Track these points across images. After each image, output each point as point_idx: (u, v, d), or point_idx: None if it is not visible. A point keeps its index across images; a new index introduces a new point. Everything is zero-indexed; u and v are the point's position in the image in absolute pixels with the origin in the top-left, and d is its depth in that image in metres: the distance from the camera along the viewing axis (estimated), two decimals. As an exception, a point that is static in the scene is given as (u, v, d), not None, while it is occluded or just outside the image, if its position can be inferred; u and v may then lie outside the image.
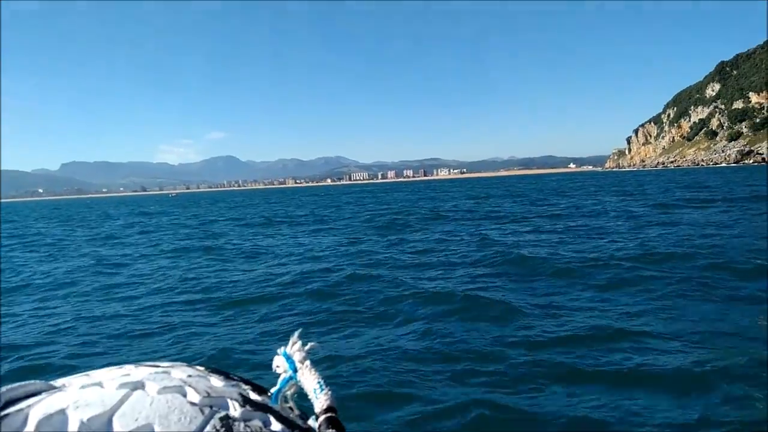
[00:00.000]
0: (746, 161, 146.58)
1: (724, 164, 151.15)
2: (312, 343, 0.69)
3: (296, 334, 0.69)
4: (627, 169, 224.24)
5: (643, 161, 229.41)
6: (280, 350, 0.69)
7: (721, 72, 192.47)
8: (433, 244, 14.76)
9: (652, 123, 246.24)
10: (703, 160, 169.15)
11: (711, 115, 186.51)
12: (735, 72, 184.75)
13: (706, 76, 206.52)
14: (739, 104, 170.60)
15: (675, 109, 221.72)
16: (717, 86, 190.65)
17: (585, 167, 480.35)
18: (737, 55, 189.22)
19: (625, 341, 5.54)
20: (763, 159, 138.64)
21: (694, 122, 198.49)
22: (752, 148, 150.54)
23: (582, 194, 38.34)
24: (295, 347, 0.68)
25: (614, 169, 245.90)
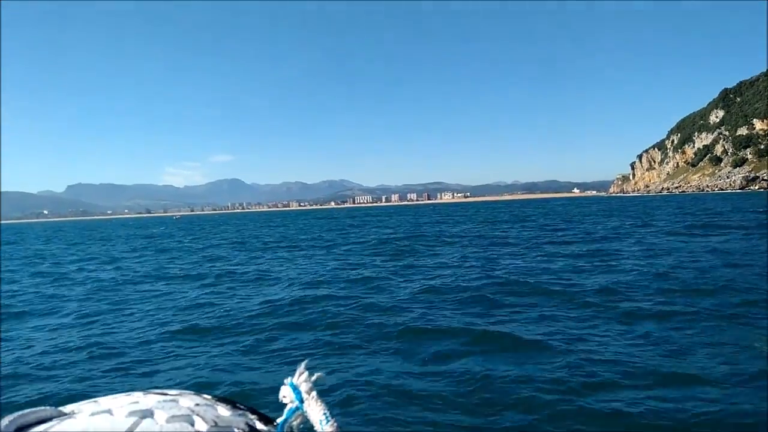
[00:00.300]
0: (751, 187, 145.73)
1: (729, 190, 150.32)
2: (318, 374, 0.70)
3: (303, 364, 0.69)
4: (631, 194, 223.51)
5: (648, 186, 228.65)
6: (287, 380, 0.69)
7: (724, 99, 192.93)
8: (442, 271, 14.12)
9: (656, 149, 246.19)
10: (707, 186, 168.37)
11: (715, 142, 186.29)
12: (738, 99, 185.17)
13: (709, 103, 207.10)
14: (743, 131, 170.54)
15: (679, 135, 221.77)
16: (721, 113, 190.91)
17: (589, 192, 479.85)
18: (740, 82, 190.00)
19: (675, 385, 4.86)
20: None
21: (699, 148, 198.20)
22: (757, 174, 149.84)
23: (591, 220, 37.67)
24: (301, 377, 0.68)
25: (619, 194, 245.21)
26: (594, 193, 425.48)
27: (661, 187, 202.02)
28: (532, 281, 11.19)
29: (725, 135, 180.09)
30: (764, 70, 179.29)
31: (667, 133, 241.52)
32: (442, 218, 57.18)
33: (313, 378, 0.68)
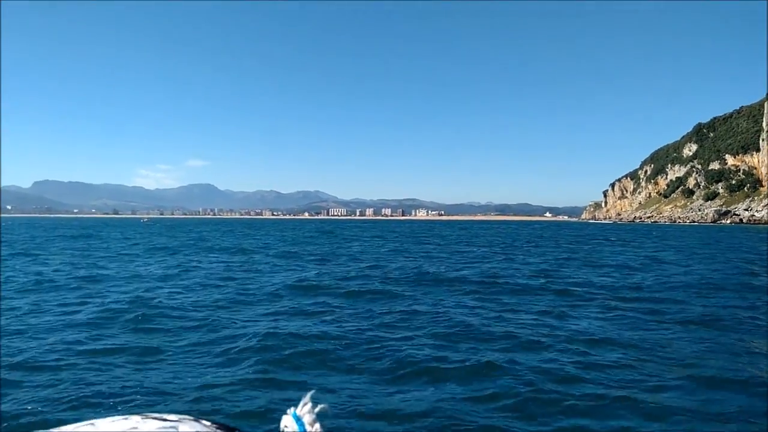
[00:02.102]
0: (723, 221, 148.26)
1: (700, 222, 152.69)
2: (323, 405, 0.67)
3: (309, 395, 0.68)
4: (603, 221, 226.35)
5: (620, 215, 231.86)
6: (290, 410, 0.67)
7: (698, 133, 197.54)
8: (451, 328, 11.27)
9: (628, 178, 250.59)
10: (679, 217, 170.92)
11: (688, 174, 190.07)
12: (712, 134, 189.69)
13: (683, 136, 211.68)
14: (715, 165, 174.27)
15: (652, 166, 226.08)
16: (694, 146, 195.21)
17: (560, 216, 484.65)
18: (714, 118, 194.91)
19: None
20: (741, 220, 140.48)
21: (671, 180, 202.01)
22: (729, 209, 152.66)
23: (607, 250, 35.44)
24: (305, 408, 0.66)
25: (591, 221, 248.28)
26: (566, 218, 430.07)
27: (633, 216, 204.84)
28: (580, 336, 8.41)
29: (698, 168, 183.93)
30: (737, 108, 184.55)
31: (640, 163, 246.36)
32: (426, 237, 54.01)
33: (317, 409, 0.66)
